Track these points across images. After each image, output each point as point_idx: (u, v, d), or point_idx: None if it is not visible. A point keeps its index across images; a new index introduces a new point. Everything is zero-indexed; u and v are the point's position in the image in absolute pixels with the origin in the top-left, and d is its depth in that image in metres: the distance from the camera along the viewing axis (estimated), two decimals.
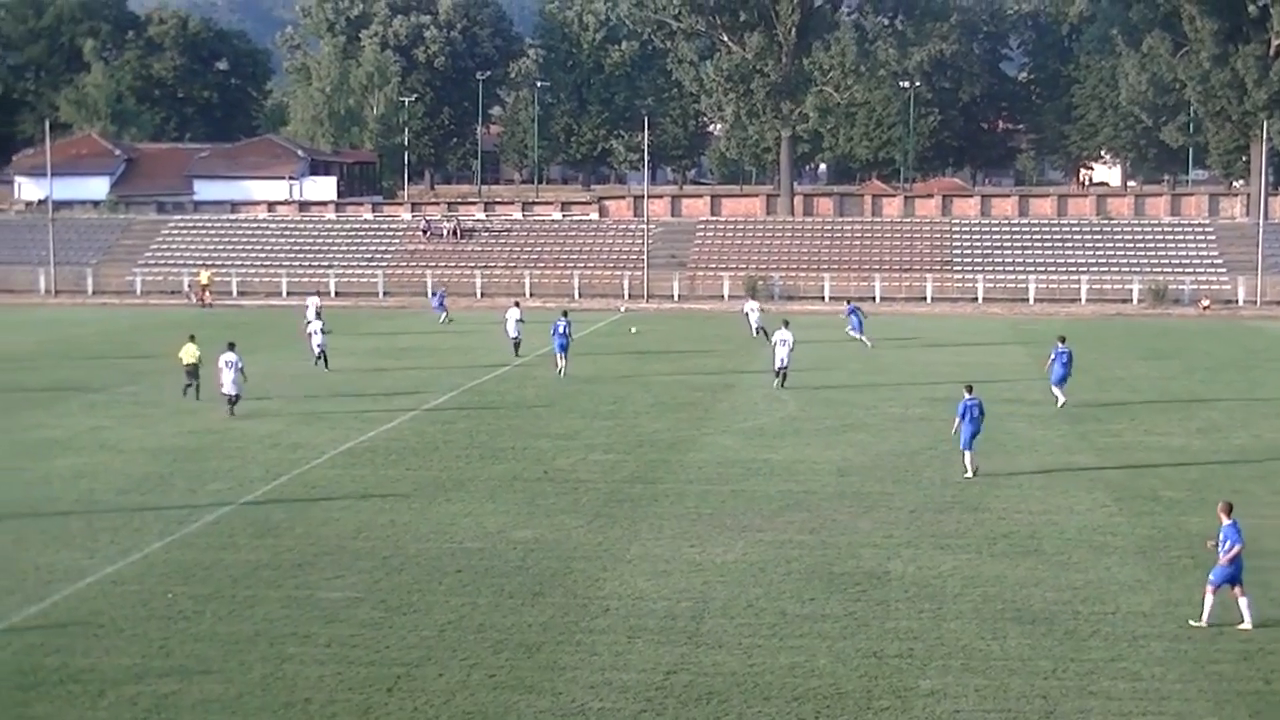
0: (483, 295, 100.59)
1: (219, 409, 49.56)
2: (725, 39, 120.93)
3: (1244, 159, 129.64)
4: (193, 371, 53.30)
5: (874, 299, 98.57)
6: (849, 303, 77.66)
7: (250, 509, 35.50)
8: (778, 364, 56.85)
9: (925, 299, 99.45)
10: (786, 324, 58.74)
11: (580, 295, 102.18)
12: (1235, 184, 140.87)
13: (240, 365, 49.33)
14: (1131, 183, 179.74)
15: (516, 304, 70.34)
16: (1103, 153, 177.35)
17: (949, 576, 29.74)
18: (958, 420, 40.08)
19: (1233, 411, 51.51)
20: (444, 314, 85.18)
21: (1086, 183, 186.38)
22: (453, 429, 47.43)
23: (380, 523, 34.07)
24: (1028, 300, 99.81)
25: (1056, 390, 51.85)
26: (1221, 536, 26.85)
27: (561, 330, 60.51)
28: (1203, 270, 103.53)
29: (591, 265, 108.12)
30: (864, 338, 71.40)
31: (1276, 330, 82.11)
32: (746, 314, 76.76)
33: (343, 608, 27.52)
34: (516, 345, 66.43)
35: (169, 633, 26.07)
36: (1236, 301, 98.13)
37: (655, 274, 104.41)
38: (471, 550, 31.75)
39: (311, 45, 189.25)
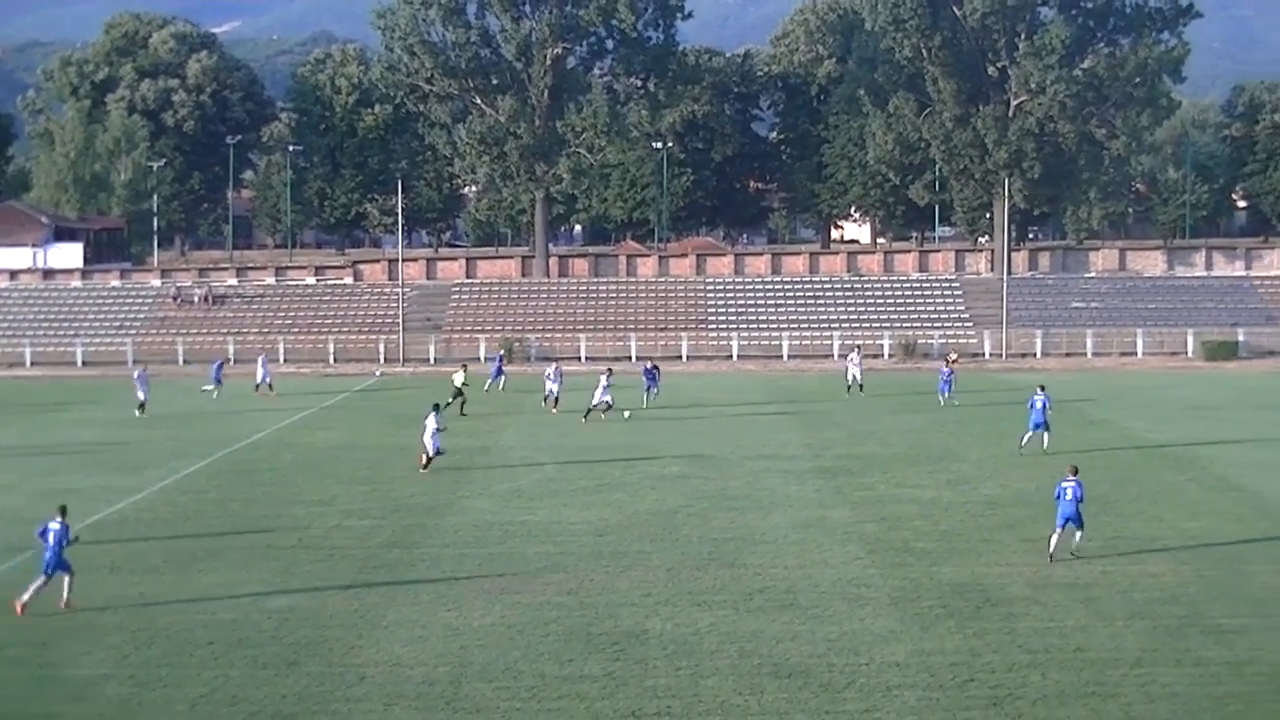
0: (236, 362, 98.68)
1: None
2: (478, 101, 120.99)
3: (987, 216, 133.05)
4: (458, 393, 67.87)
5: (630, 358, 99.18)
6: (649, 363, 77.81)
7: None
8: (849, 380, 75.80)
9: (681, 358, 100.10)
10: (857, 348, 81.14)
11: (335, 360, 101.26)
12: (980, 240, 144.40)
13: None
14: (881, 240, 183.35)
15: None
16: (853, 211, 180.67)
17: (706, 633, 29.89)
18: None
19: (981, 463, 52.65)
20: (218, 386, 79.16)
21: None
22: (205, 498, 46.58)
23: (130, 595, 33.26)
24: (781, 357, 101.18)
25: (1033, 433, 55.06)
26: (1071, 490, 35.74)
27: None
28: (950, 324, 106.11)
29: (347, 330, 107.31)
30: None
31: (1022, 382, 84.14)
32: (847, 367, 78.54)
33: (89, 685, 26.78)
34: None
35: None
36: (983, 354, 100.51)
37: (411, 337, 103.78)
38: (225, 621, 31.15)
39: (55, 110, 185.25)
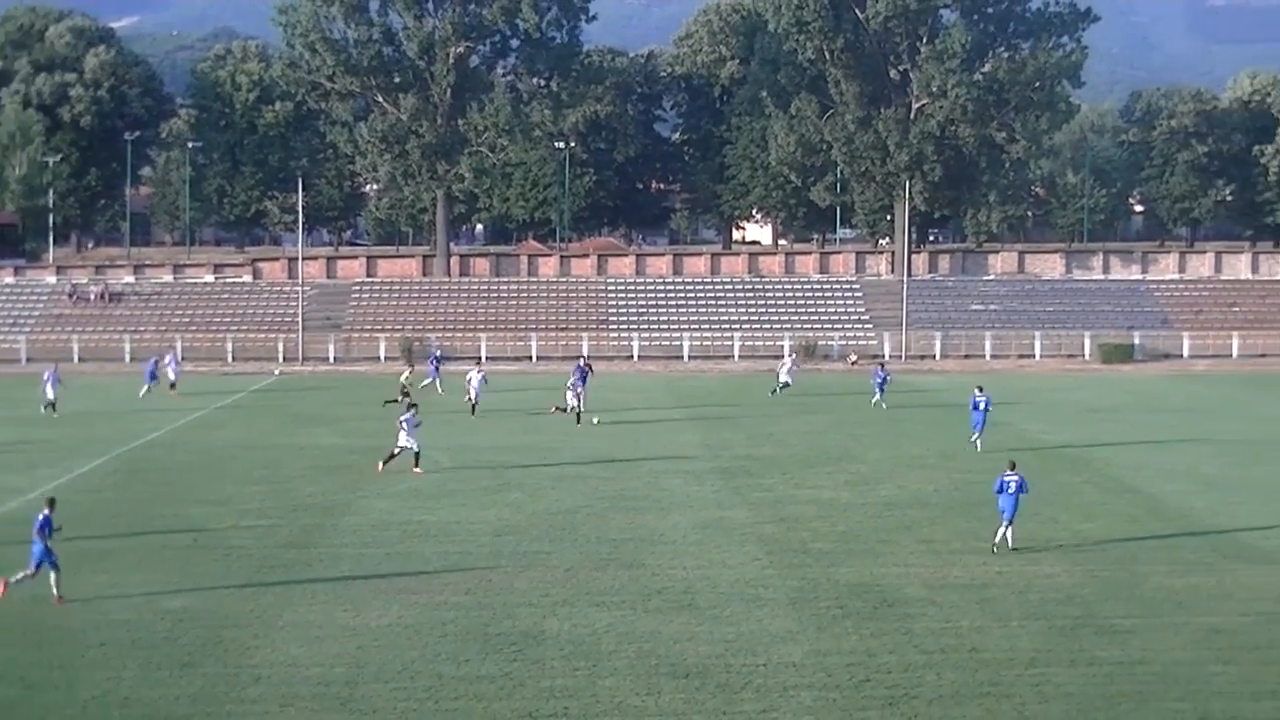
0: (132, 360, 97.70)
1: None
2: (380, 99, 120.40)
3: (888, 218, 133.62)
4: (404, 391, 67.19)
5: (531, 358, 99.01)
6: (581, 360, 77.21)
7: None
8: (782, 380, 76.72)
9: (582, 358, 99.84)
10: (793, 355, 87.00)
11: (234, 358, 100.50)
12: (881, 242, 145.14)
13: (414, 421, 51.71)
14: (782, 241, 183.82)
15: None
16: (754, 212, 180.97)
17: (604, 634, 29.86)
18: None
19: (880, 464, 52.96)
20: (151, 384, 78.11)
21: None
22: (99, 498, 46.05)
23: (20, 596, 32.72)
24: (682, 358, 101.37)
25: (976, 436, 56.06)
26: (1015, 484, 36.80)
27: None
28: (850, 326, 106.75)
29: (245, 328, 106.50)
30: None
31: (920, 383, 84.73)
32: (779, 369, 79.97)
33: None
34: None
35: None
36: (883, 356, 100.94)
37: (310, 336, 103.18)
38: (117, 622, 30.77)
39: None
